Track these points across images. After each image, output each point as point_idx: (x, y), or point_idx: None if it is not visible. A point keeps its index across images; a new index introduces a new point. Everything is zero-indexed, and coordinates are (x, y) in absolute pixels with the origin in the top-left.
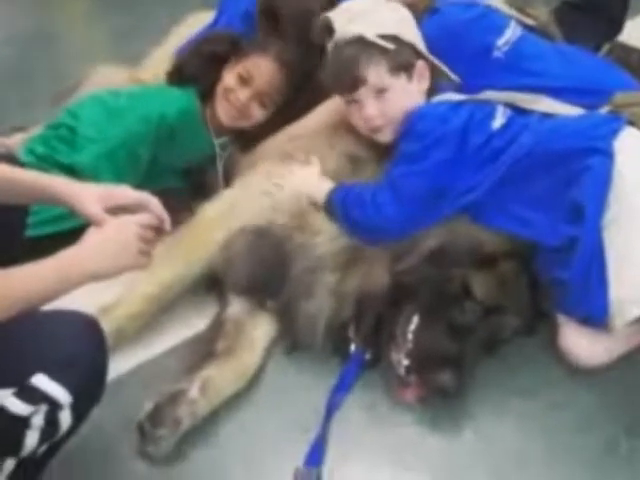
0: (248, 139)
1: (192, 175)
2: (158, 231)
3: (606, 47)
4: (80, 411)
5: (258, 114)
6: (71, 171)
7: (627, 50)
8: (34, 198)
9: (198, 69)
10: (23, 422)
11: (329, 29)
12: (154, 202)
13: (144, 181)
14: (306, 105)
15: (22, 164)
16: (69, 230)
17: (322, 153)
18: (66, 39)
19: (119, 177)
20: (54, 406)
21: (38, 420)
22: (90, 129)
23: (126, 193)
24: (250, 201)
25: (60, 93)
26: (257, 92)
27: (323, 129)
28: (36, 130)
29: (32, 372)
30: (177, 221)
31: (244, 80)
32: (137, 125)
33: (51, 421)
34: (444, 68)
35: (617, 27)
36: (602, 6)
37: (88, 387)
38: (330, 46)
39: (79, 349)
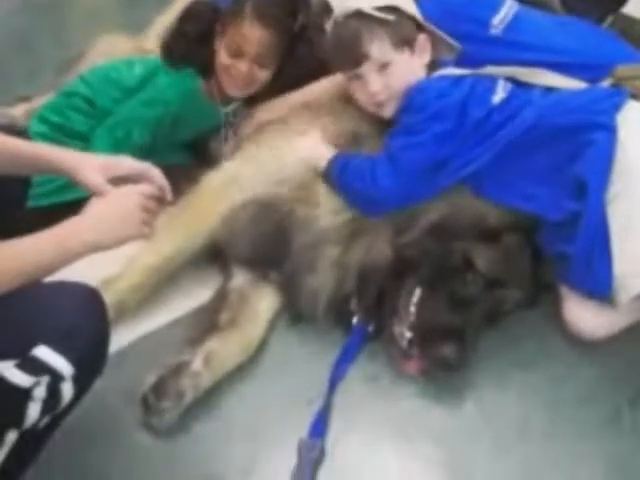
0: (261, 99)
1: (196, 149)
2: (160, 201)
3: (609, 19)
4: (82, 383)
5: (263, 75)
6: (87, 140)
7: (630, 22)
8: (35, 169)
9: (188, 51)
10: (25, 393)
11: (327, 8)
12: (156, 172)
13: (147, 157)
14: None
15: (29, 134)
16: (72, 201)
17: (323, 129)
18: (70, 7)
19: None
20: (56, 377)
21: (40, 392)
22: (108, 102)
23: (128, 163)
24: (253, 172)
25: (66, 62)
26: (254, 58)
27: (324, 104)
28: (41, 100)
29: (34, 343)
30: (180, 191)
31: (236, 53)
32: (138, 110)
33: (53, 393)
34: (444, 36)
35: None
36: None
37: (90, 359)
38: (329, 24)
39: (81, 320)
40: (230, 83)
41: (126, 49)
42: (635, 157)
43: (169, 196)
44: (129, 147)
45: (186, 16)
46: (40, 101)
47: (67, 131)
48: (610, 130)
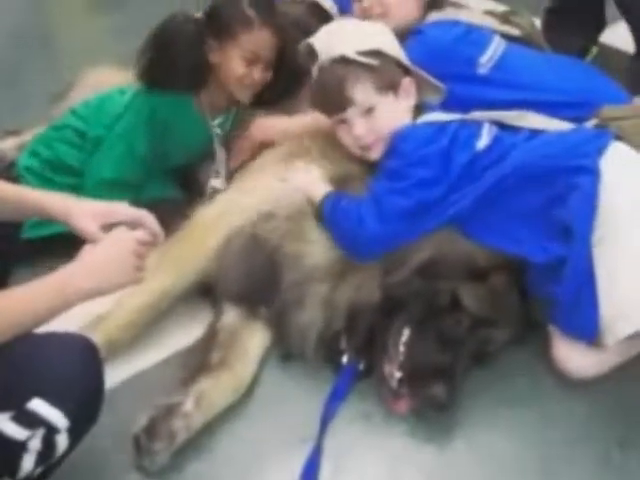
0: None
1: (187, 184)
2: (152, 246)
3: (594, 50)
4: (76, 433)
5: (269, 77)
6: (78, 174)
7: (612, 53)
8: (28, 214)
9: (176, 78)
10: (20, 446)
11: (312, 53)
12: (150, 219)
13: (140, 192)
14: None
15: (18, 168)
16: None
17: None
18: (60, 39)
19: (119, 173)
20: (51, 430)
21: (35, 444)
22: (100, 130)
23: (122, 210)
24: (243, 207)
25: (55, 95)
26: (266, 64)
27: (316, 144)
28: (30, 133)
29: (29, 396)
30: (171, 227)
31: (252, 61)
32: (131, 119)
33: (48, 445)
34: (429, 78)
35: (599, 26)
36: (578, 8)
37: (85, 411)
38: (315, 70)
39: (76, 373)
40: (244, 92)
41: (115, 81)
42: (620, 200)
43: (162, 241)
44: (134, 160)
45: (169, 40)
46: (29, 134)
47: (57, 166)
48: (594, 174)
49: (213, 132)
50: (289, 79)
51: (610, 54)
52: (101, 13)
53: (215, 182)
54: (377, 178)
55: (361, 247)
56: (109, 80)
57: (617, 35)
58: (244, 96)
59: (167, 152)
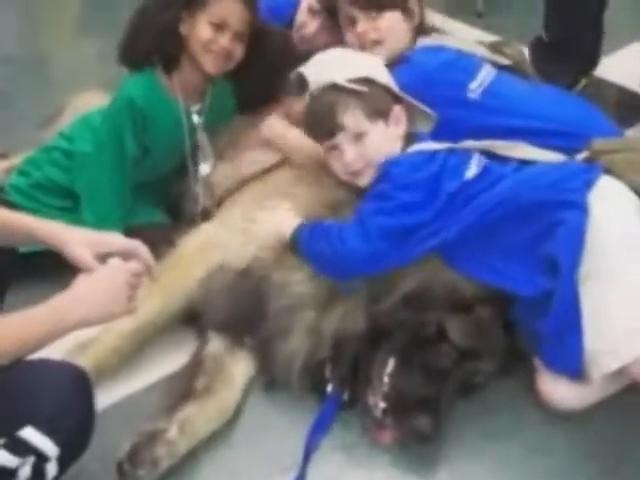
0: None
1: (173, 211)
2: (144, 277)
3: (583, 82)
4: (66, 461)
5: (239, 51)
6: (68, 195)
7: (604, 85)
8: (20, 241)
9: (154, 45)
10: (10, 473)
11: (303, 82)
12: (143, 250)
13: (127, 217)
14: None
15: (6, 190)
16: None
17: (298, 202)
18: (50, 63)
19: (110, 176)
20: (41, 458)
21: (25, 471)
22: (86, 146)
23: (117, 241)
24: (228, 237)
25: (45, 118)
26: (235, 32)
27: (306, 172)
28: (18, 157)
29: (22, 424)
30: (158, 253)
31: (219, 27)
32: (112, 117)
33: (38, 472)
34: (420, 106)
35: (592, 61)
36: (574, 42)
37: (75, 439)
38: (306, 98)
39: (68, 402)
40: (210, 60)
41: (104, 105)
42: (607, 235)
43: (155, 274)
44: (127, 162)
45: (142, 10)
46: (18, 158)
47: (46, 187)
48: (581, 208)
49: (191, 117)
50: (265, 61)
51: (600, 86)
52: (91, 36)
53: (204, 167)
54: (364, 201)
55: (343, 267)
56: (97, 103)
57: (607, 68)
58: (211, 66)
59: (148, 147)
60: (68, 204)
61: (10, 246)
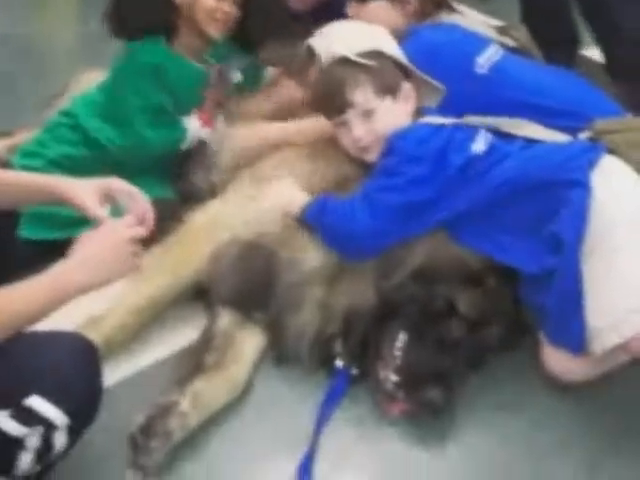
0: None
1: (181, 183)
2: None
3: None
4: (75, 432)
5: (237, 11)
6: (86, 169)
7: (598, 67)
8: (32, 198)
9: (152, 19)
10: (18, 443)
11: (312, 54)
12: (141, 196)
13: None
14: None
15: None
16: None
17: (305, 178)
18: (48, 42)
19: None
20: (49, 428)
21: (33, 442)
22: (96, 121)
23: (118, 182)
24: (236, 213)
25: (47, 98)
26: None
27: (315, 147)
28: (23, 135)
29: (28, 393)
30: (165, 229)
31: None
32: (136, 86)
33: (46, 442)
34: (429, 79)
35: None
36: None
37: (83, 409)
38: (315, 70)
39: (75, 371)
40: (214, 26)
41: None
42: (610, 213)
43: (151, 219)
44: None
45: None
46: (21, 137)
47: (62, 164)
48: (585, 188)
49: (204, 63)
50: (258, 14)
51: (593, 68)
52: (89, 18)
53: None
54: (372, 176)
55: (353, 243)
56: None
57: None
58: (215, 32)
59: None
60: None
61: (18, 206)
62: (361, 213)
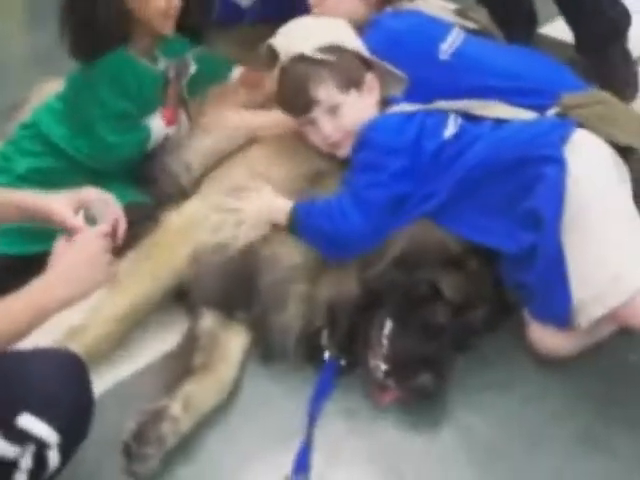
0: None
1: (151, 188)
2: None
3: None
4: (68, 449)
5: (180, 3)
6: (54, 179)
7: (554, 44)
8: (10, 217)
9: (111, 37)
10: (11, 464)
11: (273, 54)
12: (114, 201)
13: None
14: None
15: None
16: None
17: (279, 178)
18: (6, 54)
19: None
20: (42, 446)
21: (26, 461)
22: (60, 130)
23: (92, 191)
24: (213, 213)
25: (12, 107)
26: None
27: (283, 146)
28: None
29: (18, 412)
30: (140, 235)
31: None
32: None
33: (39, 461)
34: (392, 69)
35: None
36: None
37: (75, 425)
38: (277, 71)
39: (64, 387)
40: (166, 24)
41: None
42: (586, 187)
43: (124, 227)
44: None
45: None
46: None
47: (29, 178)
48: (558, 162)
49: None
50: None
51: (552, 45)
52: (43, 27)
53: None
54: (351, 173)
55: (347, 244)
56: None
57: (557, 27)
58: (168, 28)
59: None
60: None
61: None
62: (352, 214)
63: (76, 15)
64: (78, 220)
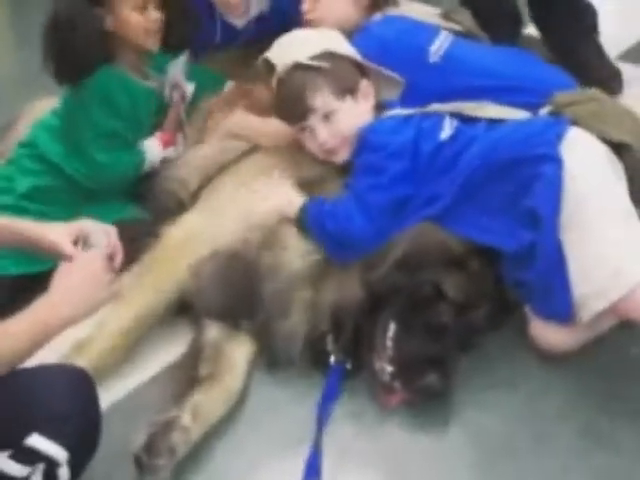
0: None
1: (149, 204)
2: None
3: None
4: (77, 465)
5: (161, 17)
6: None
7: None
8: (6, 244)
9: (94, 60)
10: None
11: (269, 66)
12: (113, 230)
13: (103, 213)
14: None
15: None
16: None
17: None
18: None
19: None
20: (51, 464)
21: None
22: (57, 147)
23: (90, 223)
24: (214, 224)
25: (2, 129)
26: (155, 2)
27: (278, 152)
28: None
29: (27, 432)
30: (140, 250)
31: (144, 4)
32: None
33: (49, 479)
34: (385, 72)
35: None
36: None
37: (83, 441)
38: (274, 82)
39: (71, 404)
40: (150, 40)
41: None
42: (582, 183)
43: (120, 256)
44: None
45: (66, 28)
46: None
47: (32, 196)
48: (555, 161)
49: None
50: (176, 9)
51: (537, 45)
52: (29, 47)
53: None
54: (354, 176)
55: (352, 246)
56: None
57: None
58: (152, 44)
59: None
60: (57, 207)
61: None
62: (355, 216)
63: (57, 41)
64: (75, 249)
